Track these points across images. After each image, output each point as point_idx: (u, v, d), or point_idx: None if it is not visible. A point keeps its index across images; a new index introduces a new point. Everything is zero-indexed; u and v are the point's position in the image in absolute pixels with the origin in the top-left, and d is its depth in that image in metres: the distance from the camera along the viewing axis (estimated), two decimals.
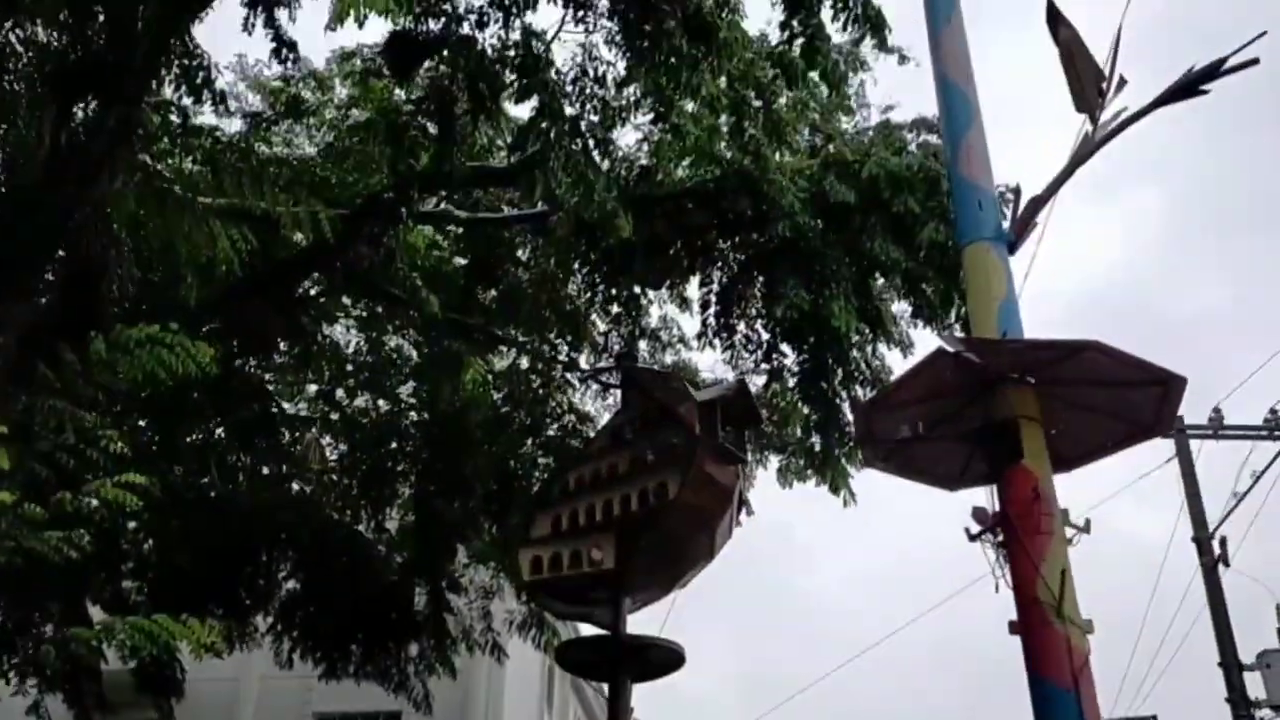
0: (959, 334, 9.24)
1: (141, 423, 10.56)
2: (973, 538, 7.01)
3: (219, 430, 11.98)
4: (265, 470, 12.99)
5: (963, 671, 67.62)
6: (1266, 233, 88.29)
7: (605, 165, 8.54)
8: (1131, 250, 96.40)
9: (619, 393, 10.77)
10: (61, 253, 7.51)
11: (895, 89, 16.07)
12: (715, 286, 10.74)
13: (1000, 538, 6.89)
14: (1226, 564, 15.31)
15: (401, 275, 9.59)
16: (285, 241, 8.97)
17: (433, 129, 8.68)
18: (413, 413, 13.44)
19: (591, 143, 8.17)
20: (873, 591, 77.37)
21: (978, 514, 7.08)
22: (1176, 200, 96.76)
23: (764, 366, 11.04)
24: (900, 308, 10.73)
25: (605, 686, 8.47)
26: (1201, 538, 15.84)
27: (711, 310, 10.79)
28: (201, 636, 5.22)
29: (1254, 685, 15.48)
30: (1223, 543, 15.50)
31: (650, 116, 8.73)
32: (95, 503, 5.20)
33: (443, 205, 10.41)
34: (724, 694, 62.52)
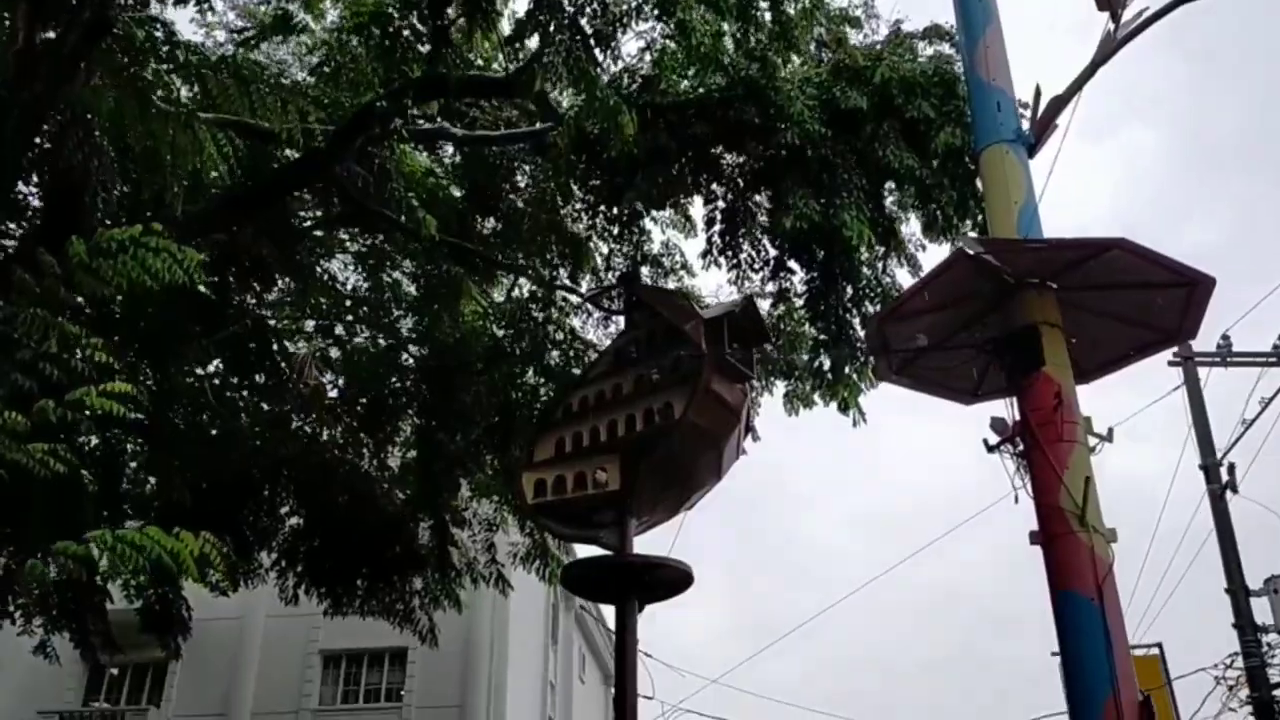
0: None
1: (141, 361, 10.32)
2: (991, 448, 6.79)
3: (217, 362, 11.77)
4: (265, 407, 12.81)
5: (953, 618, 68.44)
6: (1257, 170, 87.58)
7: (607, 73, 8.16)
8: (1126, 187, 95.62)
9: (622, 319, 10.51)
10: (48, 174, 7.23)
11: (903, 4, 15.51)
12: (720, 203, 10.43)
13: (1020, 448, 6.70)
14: (1235, 489, 15.18)
15: (398, 197, 9.27)
16: (276, 157, 8.63)
17: (425, 36, 8.30)
18: (412, 346, 13.23)
19: (593, 41, 7.79)
20: (866, 537, 78.08)
21: (997, 424, 6.85)
22: (1170, 138, 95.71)
23: (770, 288, 10.77)
24: (911, 229, 10.43)
25: (610, 621, 8.28)
26: (1209, 464, 15.68)
27: (716, 228, 10.47)
28: (195, 549, 4.96)
29: (1260, 612, 15.47)
30: (1230, 469, 15.36)
31: (655, 14, 8.30)
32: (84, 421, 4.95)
33: (439, 122, 10.04)
34: (719, 632, 63.29)
